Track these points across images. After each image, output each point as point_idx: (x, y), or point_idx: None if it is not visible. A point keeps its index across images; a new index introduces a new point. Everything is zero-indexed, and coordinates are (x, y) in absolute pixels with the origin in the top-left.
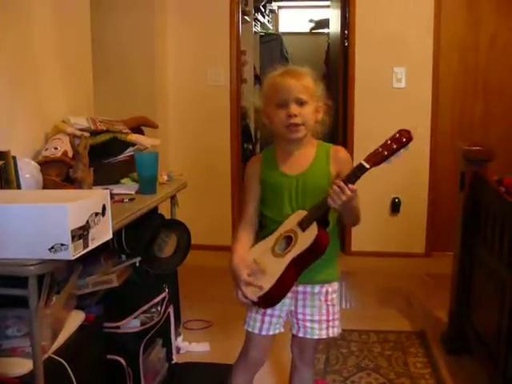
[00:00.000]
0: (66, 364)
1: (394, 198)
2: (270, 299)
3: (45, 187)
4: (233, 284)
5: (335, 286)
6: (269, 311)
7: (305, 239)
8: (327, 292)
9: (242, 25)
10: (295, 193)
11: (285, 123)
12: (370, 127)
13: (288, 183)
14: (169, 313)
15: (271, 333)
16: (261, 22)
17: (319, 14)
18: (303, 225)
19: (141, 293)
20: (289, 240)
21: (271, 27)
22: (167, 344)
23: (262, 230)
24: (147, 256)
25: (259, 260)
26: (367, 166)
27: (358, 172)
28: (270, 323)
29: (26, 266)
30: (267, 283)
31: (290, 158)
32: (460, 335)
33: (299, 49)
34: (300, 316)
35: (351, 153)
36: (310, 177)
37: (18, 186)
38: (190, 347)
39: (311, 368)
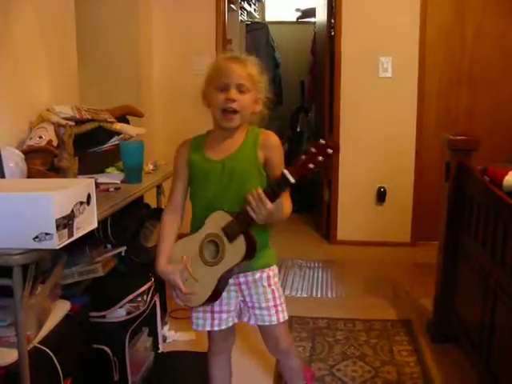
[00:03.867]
0: (51, 353)
1: (380, 188)
2: (207, 303)
3: (29, 176)
4: None
5: (275, 269)
6: (216, 308)
7: (233, 254)
8: (268, 276)
9: (228, 13)
10: (219, 178)
11: (221, 106)
12: (357, 116)
13: (213, 168)
14: (155, 302)
15: (224, 327)
16: (247, 11)
17: (306, 3)
18: (229, 235)
19: (126, 282)
20: (215, 247)
21: (257, 16)
22: (153, 333)
23: (193, 216)
24: (133, 245)
25: (189, 265)
26: (292, 181)
27: (284, 185)
28: (219, 319)
29: (11, 256)
30: (202, 294)
31: (217, 144)
32: (445, 324)
33: (285, 38)
34: (249, 304)
35: (337, 142)
36: (237, 162)
37: (2, 175)
38: (176, 336)
39: (291, 356)
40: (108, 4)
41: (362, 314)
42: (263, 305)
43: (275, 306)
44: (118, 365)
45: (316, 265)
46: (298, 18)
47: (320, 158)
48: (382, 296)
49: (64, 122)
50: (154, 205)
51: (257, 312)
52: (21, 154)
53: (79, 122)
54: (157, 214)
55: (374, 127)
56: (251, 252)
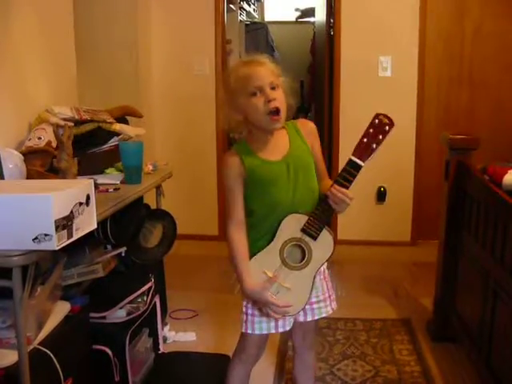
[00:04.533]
0: (51, 355)
1: (380, 187)
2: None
3: (28, 177)
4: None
5: (325, 262)
6: None
7: (322, 250)
8: (323, 270)
9: (228, 13)
10: (286, 178)
11: (265, 110)
12: (356, 116)
13: (278, 169)
14: (155, 302)
15: (287, 328)
16: (246, 11)
17: (305, 3)
18: (312, 233)
19: (126, 283)
20: (300, 250)
21: (257, 16)
22: (154, 334)
23: (253, 229)
24: (133, 246)
25: (275, 275)
26: (362, 164)
27: (353, 170)
28: (284, 319)
29: (10, 257)
30: (300, 301)
31: (267, 146)
32: (445, 323)
33: (285, 38)
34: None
35: (337, 142)
36: (296, 157)
37: (2, 177)
38: (177, 337)
39: (313, 351)
40: (107, 5)
41: (362, 313)
42: (321, 297)
43: (329, 296)
44: (119, 366)
45: None
46: (297, 18)
47: (380, 136)
48: (382, 295)
49: (63, 122)
50: (153, 205)
51: (314, 306)
52: (20, 155)
53: (78, 123)
54: (156, 214)
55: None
56: (335, 244)
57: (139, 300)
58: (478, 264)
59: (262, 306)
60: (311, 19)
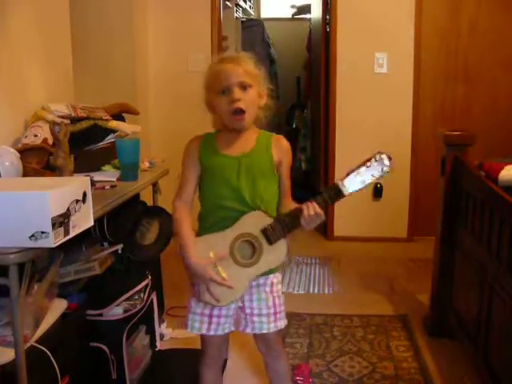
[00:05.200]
0: (48, 352)
1: (376, 184)
2: (226, 306)
3: (25, 175)
4: None
5: (279, 276)
6: (215, 312)
7: (273, 257)
8: (272, 283)
9: (224, 10)
10: (235, 174)
11: (229, 110)
12: (352, 113)
13: (228, 164)
14: (152, 300)
15: (220, 333)
16: (242, 8)
17: (301, 0)
18: (270, 238)
19: (123, 280)
20: (251, 247)
21: (253, 13)
22: (151, 331)
23: (200, 219)
24: (129, 243)
25: (219, 264)
26: (345, 194)
27: (336, 197)
28: (217, 324)
29: (6, 255)
30: (232, 294)
31: (230, 143)
32: (442, 319)
33: (281, 34)
34: (248, 310)
35: (333, 138)
36: (253, 159)
37: None
38: (174, 334)
39: (282, 359)
40: (103, 2)
41: (359, 309)
42: (264, 311)
43: (275, 313)
44: (116, 363)
45: (313, 261)
46: (293, 15)
47: (376, 175)
48: (378, 291)
49: (59, 120)
50: (150, 202)
51: (255, 319)
52: (16, 152)
53: (75, 120)
54: (153, 211)
55: (369, 123)
56: (286, 258)
57: (136, 297)
58: (474, 260)
59: (201, 283)
60: (307, 16)
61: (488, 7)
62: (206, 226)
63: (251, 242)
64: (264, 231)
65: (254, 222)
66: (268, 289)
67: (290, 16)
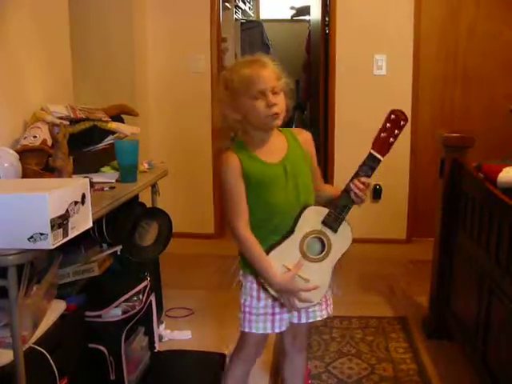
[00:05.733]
0: (47, 354)
1: (375, 185)
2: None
3: (24, 176)
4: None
5: None
6: (277, 309)
7: (341, 242)
8: None
9: (223, 11)
10: (284, 180)
11: (265, 114)
12: (351, 114)
13: (275, 171)
14: (150, 301)
15: (283, 329)
16: (242, 9)
17: (300, 1)
18: (333, 226)
19: (122, 281)
20: (319, 242)
21: (252, 14)
22: (149, 332)
23: (255, 228)
24: (128, 244)
25: (299, 263)
26: (381, 158)
27: (374, 164)
28: (280, 320)
29: (5, 256)
30: (318, 293)
31: (263, 147)
32: (440, 320)
33: (280, 36)
34: None
35: (332, 140)
36: (293, 161)
37: None
38: (173, 335)
39: (303, 354)
40: (102, 3)
41: (358, 311)
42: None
43: (326, 300)
44: (114, 364)
45: None
46: (292, 16)
47: (396, 131)
48: (377, 293)
49: (58, 121)
50: (149, 204)
51: (309, 309)
52: (15, 153)
53: (74, 122)
54: (152, 213)
55: (368, 125)
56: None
57: (135, 298)
58: (473, 262)
59: (289, 297)
60: (306, 17)
61: (487, 10)
62: (262, 235)
63: (318, 237)
64: (325, 222)
65: (313, 218)
66: None
67: (290, 18)
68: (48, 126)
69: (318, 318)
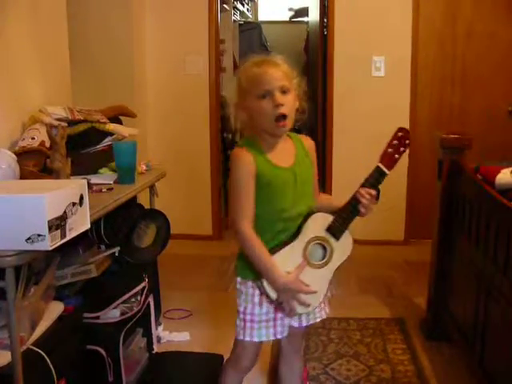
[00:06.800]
0: (45, 355)
1: None
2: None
3: (22, 178)
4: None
5: None
6: (279, 314)
7: (343, 250)
8: None
9: (221, 13)
10: (293, 185)
11: (272, 114)
12: (349, 116)
13: (286, 176)
14: (149, 302)
15: (285, 334)
16: (240, 11)
17: (298, 3)
18: (336, 234)
19: (120, 283)
20: (321, 248)
21: (250, 16)
22: (147, 334)
23: (259, 230)
24: (126, 246)
25: (303, 264)
26: (387, 172)
27: (380, 178)
28: (282, 326)
29: (3, 257)
30: (316, 299)
31: (277, 153)
32: (438, 322)
33: (279, 37)
34: None
35: (330, 143)
36: (302, 169)
37: None
38: (171, 336)
39: (300, 355)
40: (100, 4)
41: (356, 312)
42: None
43: (322, 301)
44: (113, 366)
45: None
46: (290, 18)
47: (402, 148)
48: (375, 295)
49: (56, 122)
50: (147, 205)
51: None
52: (13, 155)
53: (72, 123)
54: (150, 214)
55: (366, 126)
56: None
57: (133, 300)
58: (471, 263)
59: (290, 299)
60: (305, 19)
61: (484, 12)
62: (267, 238)
63: (320, 244)
64: (329, 230)
65: (318, 225)
66: None
67: (288, 19)
68: (46, 128)
69: (318, 320)
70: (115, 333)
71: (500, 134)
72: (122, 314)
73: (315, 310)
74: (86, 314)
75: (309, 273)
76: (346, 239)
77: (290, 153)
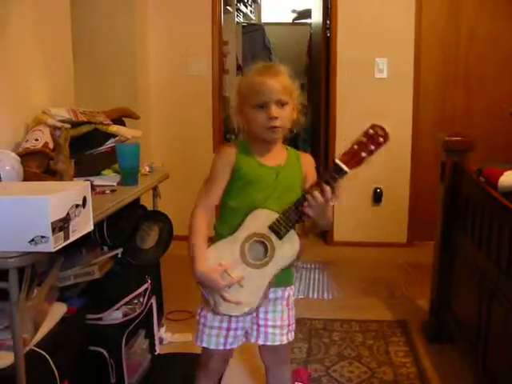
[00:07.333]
0: (47, 356)
1: (376, 188)
2: (249, 313)
3: (25, 179)
4: None
5: (294, 288)
6: (233, 325)
7: (286, 251)
8: (289, 296)
9: (224, 15)
10: (272, 184)
11: (265, 125)
12: (353, 117)
13: (267, 173)
14: (151, 304)
15: (235, 346)
16: (243, 13)
17: (301, 5)
18: (279, 233)
19: (123, 284)
20: (263, 247)
21: (253, 17)
22: (150, 335)
23: (225, 223)
24: (129, 247)
25: (231, 270)
26: (347, 170)
27: (338, 176)
28: (234, 337)
29: (6, 259)
30: (251, 300)
31: (265, 153)
32: (441, 324)
33: (282, 39)
34: (262, 322)
35: (333, 144)
36: (288, 171)
37: None
38: (173, 338)
39: (287, 365)
40: (104, 6)
41: (358, 314)
42: (278, 323)
43: (288, 325)
44: (115, 367)
45: (312, 266)
46: (293, 20)
47: (372, 146)
48: (378, 296)
49: (60, 124)
50: (150, 207)
51: (269, 330)
52: (17, 156)
53: (75, 125)
54: (153, 215)
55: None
56: (301, 249)
57: (135, 301)
58: (473, 265)
59: (211, 293)
60: (308, 21)
61: (487, 13)
62: (230, 231)
63: (261, 242)
64: (271, 227)
65: (259, 221)
66: (285, 302)
67: (291, 21)
68: (49, 129)
69: (277, 343)
70: (118, 334)
71: (503, 136)
72: (125, 315)
73: (276, 331)
74: (88, 316)
75: (244, 271)
76: (291, 238)
77: (280, 158)
